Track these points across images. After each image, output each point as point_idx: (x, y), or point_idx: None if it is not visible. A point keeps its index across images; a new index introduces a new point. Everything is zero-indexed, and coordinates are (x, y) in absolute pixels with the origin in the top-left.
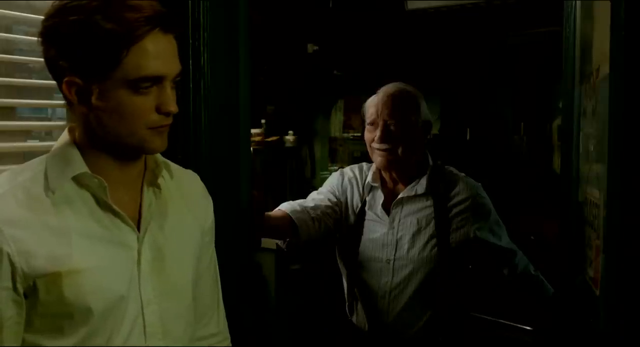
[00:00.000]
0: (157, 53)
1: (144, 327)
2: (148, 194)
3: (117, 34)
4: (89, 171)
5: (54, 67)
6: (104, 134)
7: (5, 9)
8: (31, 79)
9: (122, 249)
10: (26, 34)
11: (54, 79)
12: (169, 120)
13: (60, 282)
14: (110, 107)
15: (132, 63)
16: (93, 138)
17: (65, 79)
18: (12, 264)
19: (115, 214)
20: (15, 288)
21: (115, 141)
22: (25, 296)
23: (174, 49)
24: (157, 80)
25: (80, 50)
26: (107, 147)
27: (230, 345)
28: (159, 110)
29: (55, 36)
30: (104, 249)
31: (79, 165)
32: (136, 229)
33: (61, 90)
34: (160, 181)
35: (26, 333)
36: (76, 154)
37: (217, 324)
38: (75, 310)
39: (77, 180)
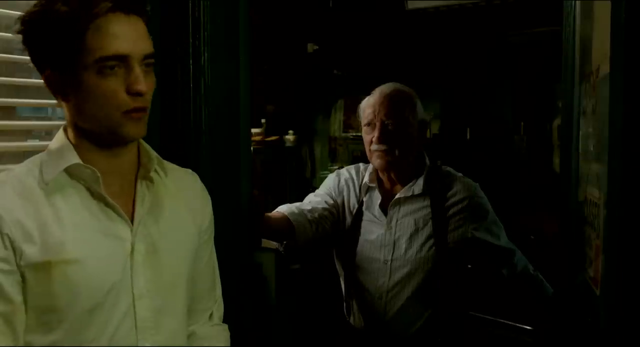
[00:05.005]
0: (118, 33)
1: (135, 321)
2: (141, 187)
3: (74, 18)
4: (81, 162)
5: (37, 67)
6: (83, 123)
7: (5, 9)
8: (31, 78)
9: (115, 241)
10: None
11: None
12: (143, 103)
13: (50, 272)
14: (82, 94)
15: (93, 45)
16: (78, 130)
17: (44, 75)
18: (13, 248)
19: (108, 205)
20: (20, 272)
21: (94, 129)
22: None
23: (139, 29)
24: (121, 59)
25: (45, 41)
26: (92, 138)
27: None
28: (128, 91)
29: (27, 35)
30: (96, 240)
31: (71, 157)
32: (130, 222)
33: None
34: (153, 175)
35: None
36: (69, 148)
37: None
38: (63, 302)
39: (70, 171)
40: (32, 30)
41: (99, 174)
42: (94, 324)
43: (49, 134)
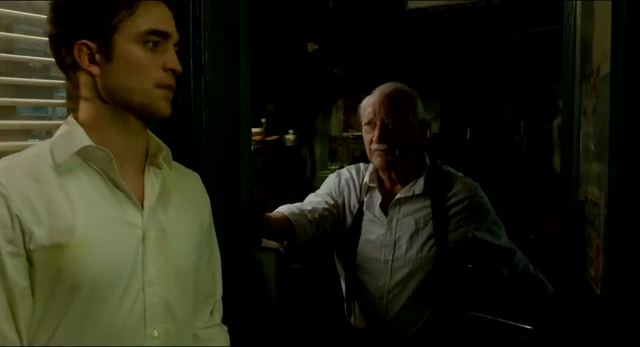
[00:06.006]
0: (160, 13)
1: (144, 308)
2: (149, 174)
3: None
4: (93, 144)
5: (63, 39)
6: (112, 96)
7: (5, 8)
8: (31, 78)
9: (126, 226)
10: (27, 33)
11: (60, 54)
12: (174, 82)
13: (60, 255)
14: (120, 64)
15: (141, 18)
16: (101, 106)
17: (78, 42)
18: (22, 229)
19: (120, 188)
20: (27, 255)
21: (124, 102)
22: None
23: (172, 17)
24: (163, 36)
25: (93, 5)
26: (116, 114)
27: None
28: (164, 67)
29: (68, 4)
30: (107, 225)
31: (83, 140)
32: (140, 207)
33: (63, 64)
34: (160, 162)
35: None
36: (80, 131)
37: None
38: (73, 286)
39: (83, 154)
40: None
41: (112, 156)
42: (104, 310)
43: (49, 133)
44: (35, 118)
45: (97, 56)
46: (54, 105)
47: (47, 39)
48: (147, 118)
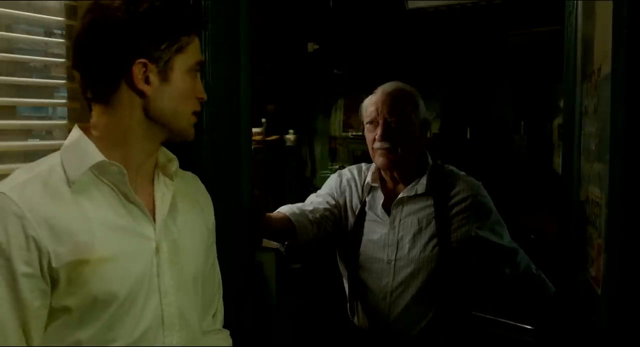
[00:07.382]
0: (199, 46)
1: (162, 318)
2: (159, 186)
3: (191, 17)
4: (106, 159)
5: (117, 54)
6: (156, 117)
7: (5, 8)
8: (31, 78)
9: (141, 239)
10: (27, 33)
11: (101, 67)
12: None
13: (83, 271)
14: (174, 88)
15: (194, 48)
16: (136, 125)
17: (138, 61)
18: (39, 249)
19: (132, 202)
20: (43, 275)
21: (166, 123)
22: (52, 284)
23: None
24: (201, 67)
25: (160, 31)
26: (146, 134)
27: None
28: (197, 96)
29: (135, 18)
30: (123, 239)
31: (96, 155)
32: (152, 220)
33: (100, 76)
34: (172, 173)
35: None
36: (91, 146)
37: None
38: (96, 300)
39: (96, 169)
40: (155, 13)
41: (125, 171)
42: (127, 322)
43: (49, 133)
44: (35, 118)
45: (152, 77)
46: (54, 105)
47: (47, 38)
48: (175, 140)
